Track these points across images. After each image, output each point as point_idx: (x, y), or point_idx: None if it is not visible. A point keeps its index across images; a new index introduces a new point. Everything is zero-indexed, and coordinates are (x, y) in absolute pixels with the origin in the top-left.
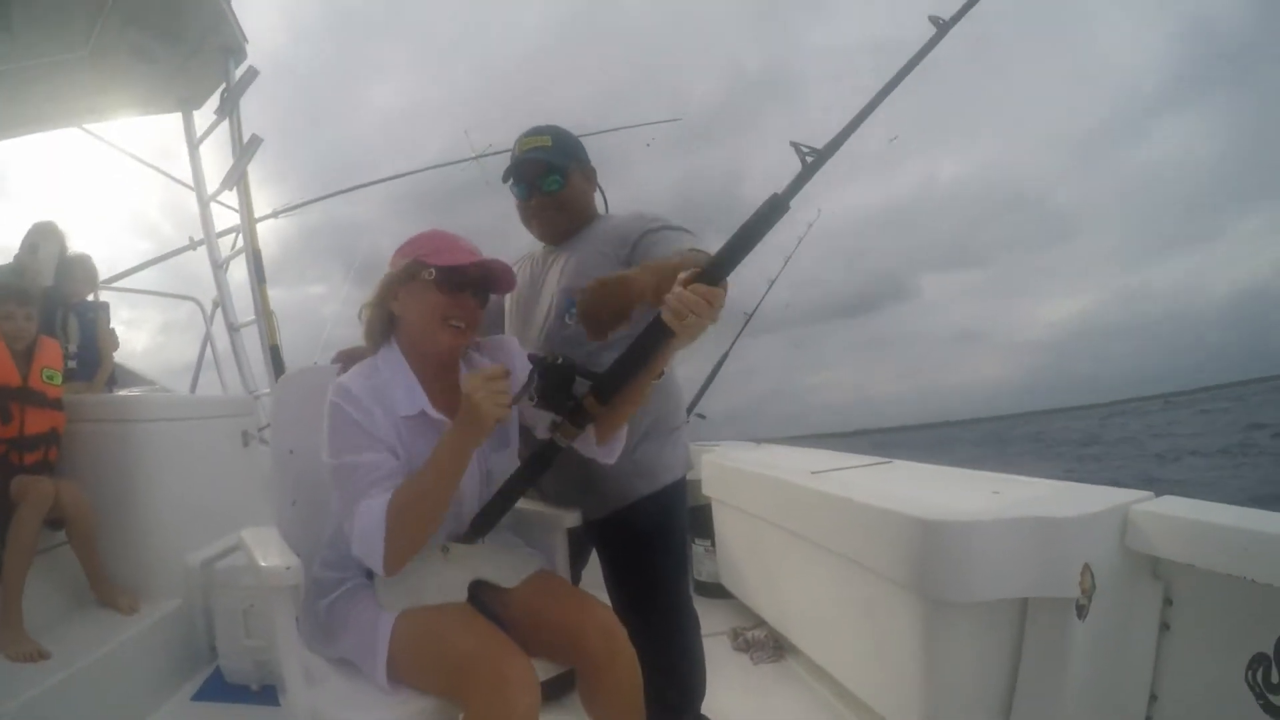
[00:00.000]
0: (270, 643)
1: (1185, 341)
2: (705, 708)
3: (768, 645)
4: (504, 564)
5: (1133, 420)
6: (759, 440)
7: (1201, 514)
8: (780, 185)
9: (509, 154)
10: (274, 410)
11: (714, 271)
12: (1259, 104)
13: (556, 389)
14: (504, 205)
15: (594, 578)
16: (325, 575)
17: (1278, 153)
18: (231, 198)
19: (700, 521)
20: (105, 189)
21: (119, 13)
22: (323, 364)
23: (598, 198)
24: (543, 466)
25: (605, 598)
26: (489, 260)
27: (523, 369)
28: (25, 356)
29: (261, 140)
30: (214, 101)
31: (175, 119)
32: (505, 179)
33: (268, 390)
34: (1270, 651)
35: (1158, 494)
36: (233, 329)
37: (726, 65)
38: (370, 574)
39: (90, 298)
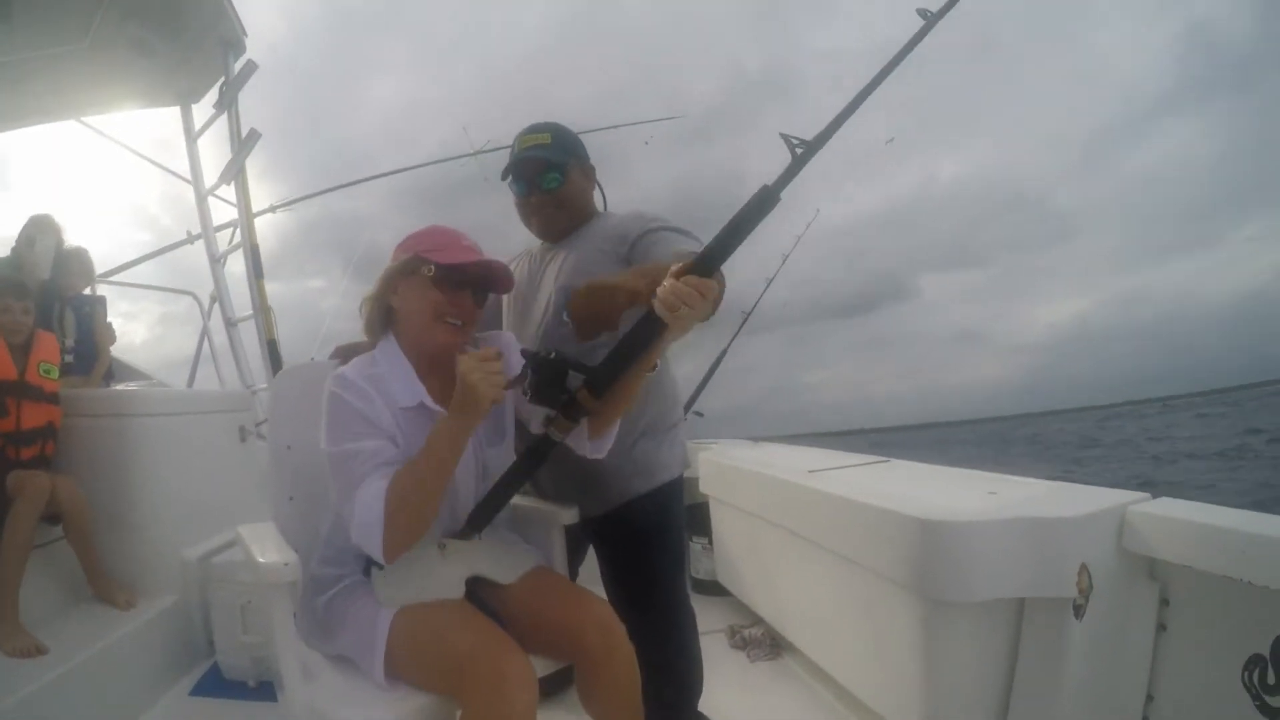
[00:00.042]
0: (268, 639)
1: (1183, 345)
2: (702, 705)
3: (765, 643)
4: (501, 560)
5: (1130, 423)
6: (757, 438)
7: (1199, 516)
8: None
9: (508, 150)
10: (271, 405)
11: (705, 263)
12: (1260, 110)
13: (550, 383)
14: (503, 201)
15: (591, 574)
16: (323, 572)
17: (1277, 159)
18: (229, 192)
19: (698, 519)
20: (104, 182)
21: (118, 6)
22: (320, 359)
23: (597, 195)
24: (537, 461)
25: (602, 594)
26: (489, 260)
27: (518, 365)
28: (22, 351)
29: (260, 135)
30: (213, 95)
31: (174, 112)
32: (504, 176)
33: (265, 385)
34: (1266, 653)
35: (1155, 495)
36: (230, 324)
37: (726, 65)
38: (368, 571)
39: (87, 291)
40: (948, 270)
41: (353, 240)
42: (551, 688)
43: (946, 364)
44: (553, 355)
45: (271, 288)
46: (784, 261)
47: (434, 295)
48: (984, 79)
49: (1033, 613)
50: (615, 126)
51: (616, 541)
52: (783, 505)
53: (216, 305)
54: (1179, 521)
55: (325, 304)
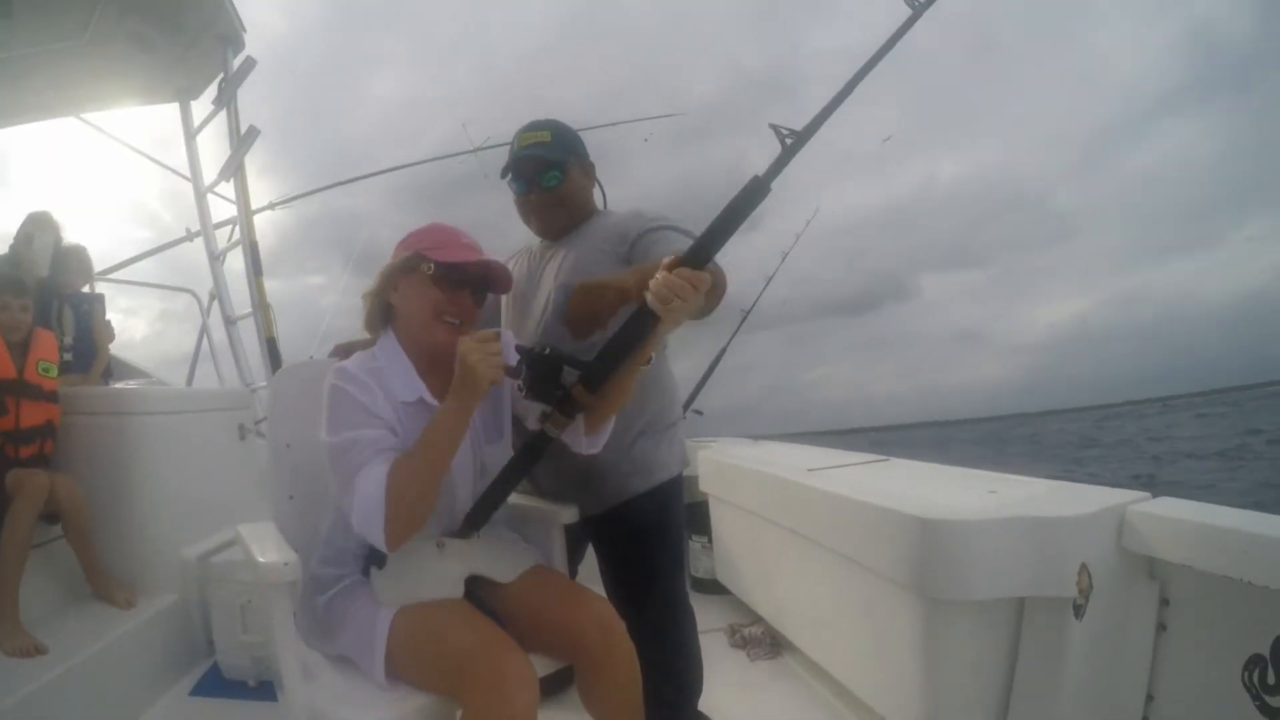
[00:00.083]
0: (268, 638)
1: (1183, 345)
2: (702, 704)
3: (764, 642)
4: (500, 559)
5: (1130, 423)
6: (756, 437)
7: (1199, 515)
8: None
9: (508, 147)
10: (271, 404)
11: (697, 255)
12: (1260, 110)
13: (545, 379)
14: (502, 199)
15: (590, 572)
16: (323, 571)
17: (1277, 159)
18: (228, 189)
19: (697, 518)
20: (103, 179)
21: (117, 1)
22: (320, 357)
23: (596, 193)
24: (534, 458)
25: (601, 593)
26: (489, 259)
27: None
28: (20, 349)
29: (259, 132)
30: (211, 92)
31: (173, 109)
32: (504, 174)
33: (264, 383)
34: (1267, 653)
35: (1155, 495)
36: (229, 322)
37: (726, 64)
38: (367, 570)
39: (86, 289)
40: (948, 270)
41: (352, 237)
42: (552, 687)
43: (946, 363)
44: (547, 351)
45: (271, 284)
46: (783, 259)
47: (433, 293)
48: (984, 79)
49: (1033, 612)
50: (615, 124)
51: (616, 540)
52: (782, 504)
53: (215, 303)
54: (1179, 521)
55: (325, 301)
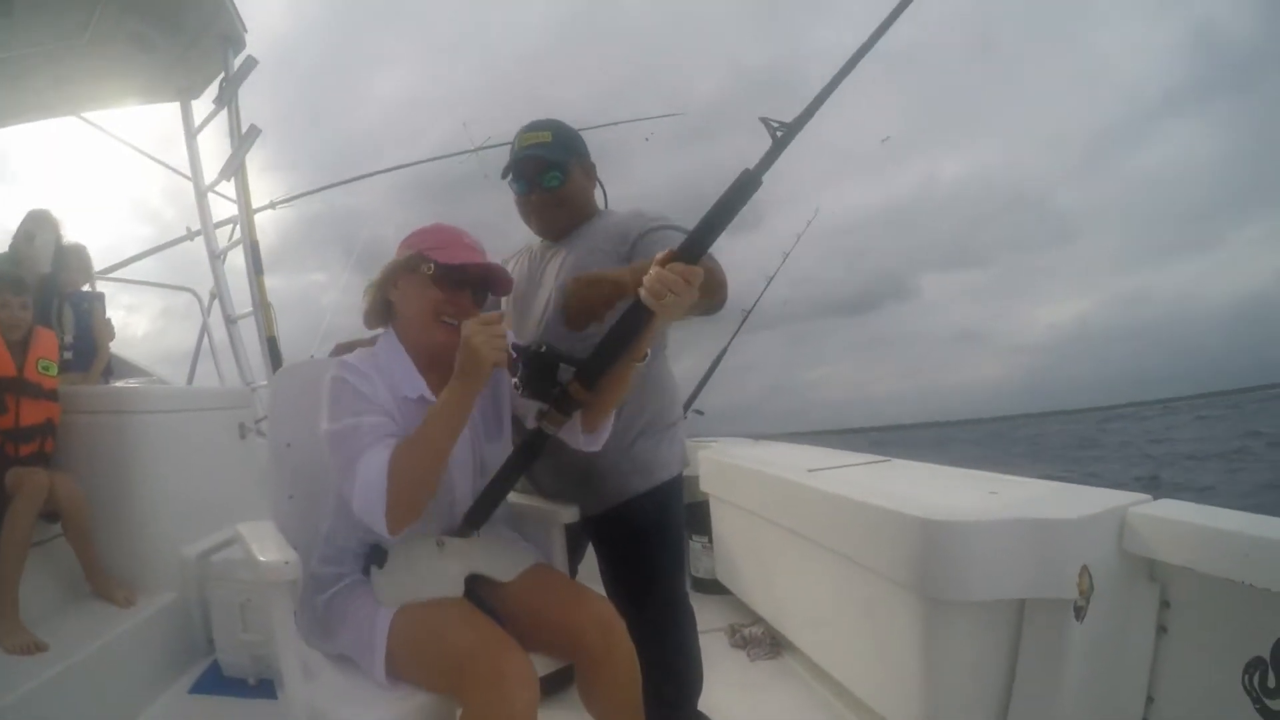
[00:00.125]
0: (267, 636)
1: (1185, 347)
2: (702, 704)
3: (765, 642)
4: (500, 558)
5: (1131, 424)
6: (757, 436)
7: (1199, 518)
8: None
9: (508, 147)
10: (271, 403)
11: (690, 249)
12: (1262, 111)
13: (541, 376)
14: (503, 198)
15: (590, 571)
16: (323, 570)
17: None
18: (229, 188)
19: (698, 518)
20: (105, 177)
21: (117, 1)
22: (320, 356)
23: (598, 193)
24: (531, 456)
25: (601, 592)
26: (489, 262)
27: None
28: (20, 347)
29: (260, 131)
30: (213, 91)
31: (175, 108)
32: (505, 175)
33: (265, 382)
34: (1267, 656)
35: (1156, 497)
36: (230, 321)
37: (727, 63)
38: (367, 569)
39: (86, 287)
40: (949, 270)
41: (354, 234)
42: (552, 686)
43: (947, 364)
44: (543, 349)
45: (272, 282)
46: (784, 260)
47: (433, 293)
48: (985, 79)
49: (1033, 614)
50: (616, 124)
51: (616, 540)
52: (783, 504)
53: (216, 302)
54: (1180, 523)
55: (326, 298)
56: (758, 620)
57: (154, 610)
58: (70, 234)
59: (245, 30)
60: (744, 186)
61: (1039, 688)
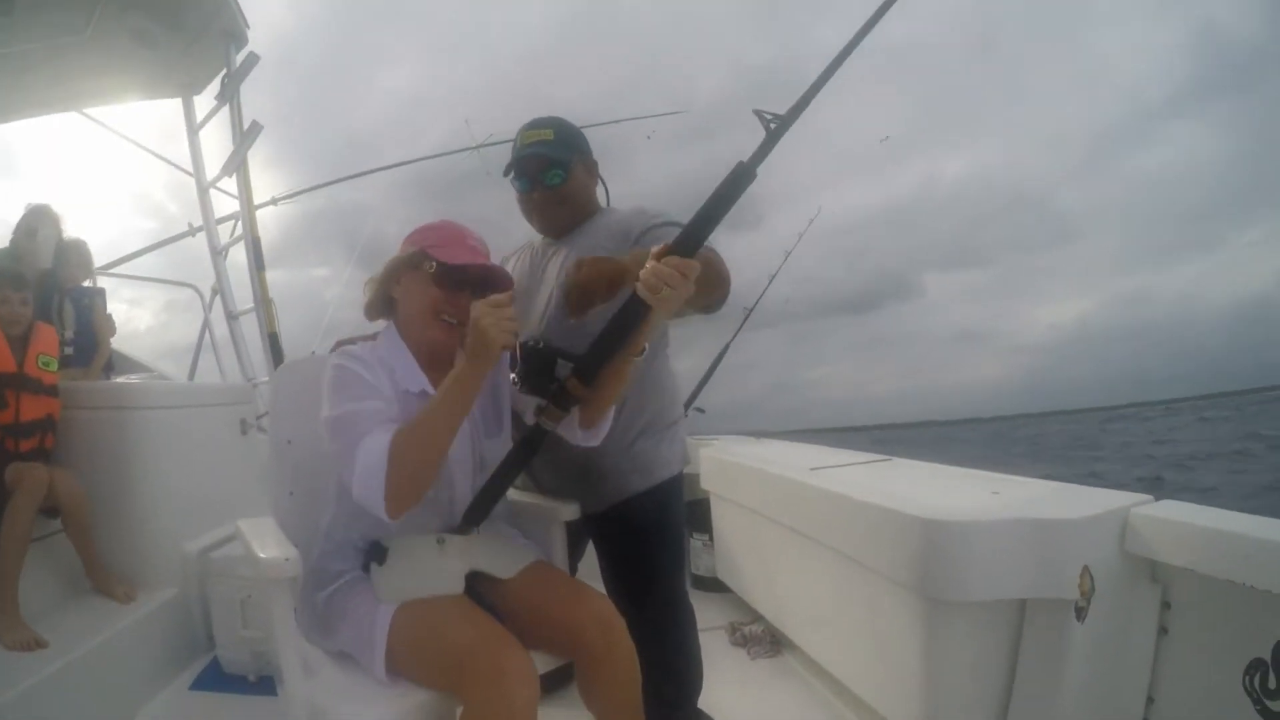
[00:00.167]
0: (268, 633)
1: (1185, 349)
2: (702, 702)
3: (765, 640)
4: (500, 555)
5: (1133, 425)
6: (758, 434)
7: (1201, 519)
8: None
9: (510, 144)
10: (272, 399)
11: (685, 243)
12: (1265, 112)
13: (539, 372)
14: (505, 195)
15: (590, 569)
16: (324, 567)
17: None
18: (231, 184)
19: (698, 516)
20: (109, 172)
21: None
22: (322, 353)
23: (599, 190)
24: (530, 452)
25: (601, 589)
26: (490, 264)
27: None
28: (20, 342)
29: (262, 127)
30: (215, 87)
31: (177, 103)
32: (507, 173)
33: (266, 378)
34: (1268, 657)
35: (1157, 498)
36: (231, 317)
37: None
38: (368, 566)
39: (87, 283)
40: (950, 270)
41: (356, 229)
42: (552, 684)
43: (948, 363)
44: (541, 344)
45: (275, 276)
46: (786, 258)
47: (432, 292)
48: (987, 79)
49: (1034, 614)
50: (618, 121)
51: (616, 538)
52: (784, 502)
53: (218, 298)
54: (1181, 524)
55: (329, 293)
56: (758, 618)
57: (154, 606)
58: (72, 229)
59: (247, 26)
60: (738, 179)
61: (1039, 688)
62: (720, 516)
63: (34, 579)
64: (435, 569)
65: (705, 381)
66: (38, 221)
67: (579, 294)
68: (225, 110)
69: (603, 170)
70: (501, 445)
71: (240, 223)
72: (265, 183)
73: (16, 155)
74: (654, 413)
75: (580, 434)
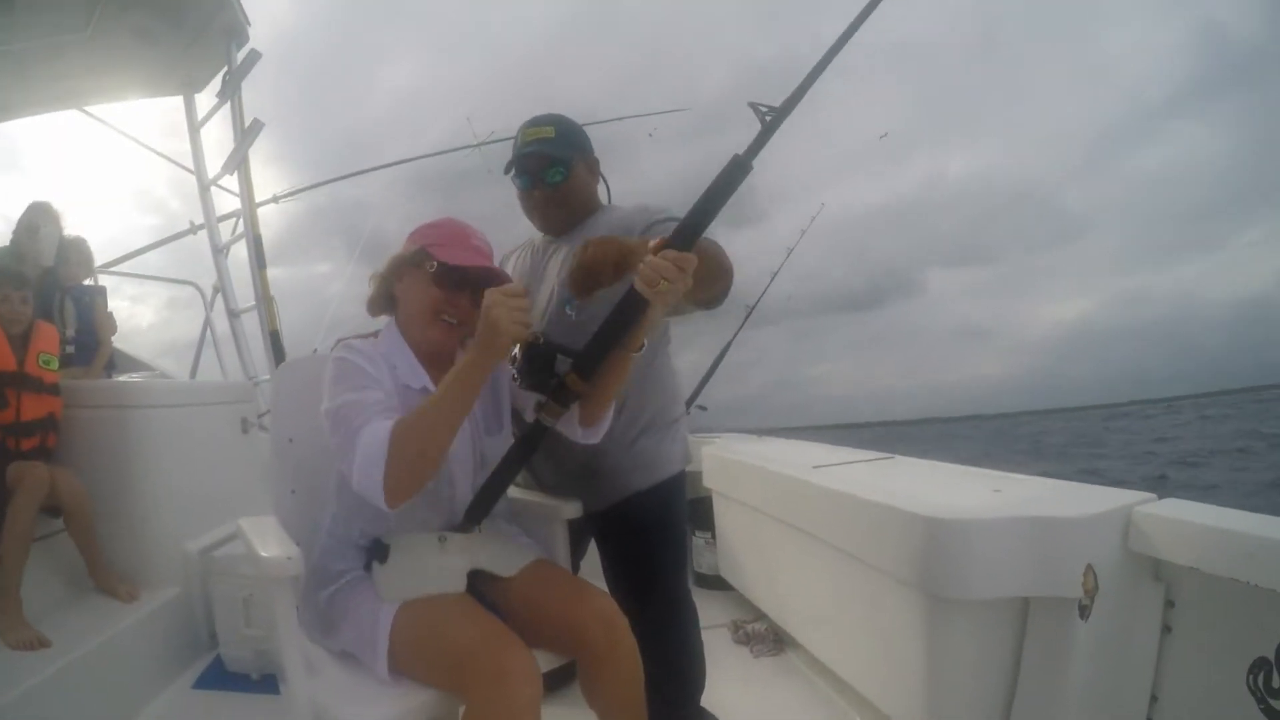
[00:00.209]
0: (270, 632)
1: (1185, 347)
2: (705, 700)
3: (768, 638)
4: (502, 553)
5: (1135, 422)
6: (760, 430)
7: (1204, 517)
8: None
9: (511, 141)
10: (274, 398)
11: (683, 237)
12: (1268, 112)
13: (539, 369)
14: (506, 192)
15: (592, 567)
16: (325, 566)
17: None
18: (232, 181)
19: (701, 514)
20: (111, 169)
21: None
22: (323, 352)
23: (601, 188)
24: (530, 449)
25: (604, 588)
26: (492, 267)
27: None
28: (21, 341)
29: (263, 125)
30: (216, 84)
31: (178, 100)
32: (507, 171)
33: (268, 376)
34: (1272, 656)
35: (1161, 496)
36: (233, 315)
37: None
38: (369, 565)
39: (88, 281)
40: (953, 267)
41: (359, 225)
42: (554, 683)
43: (951, 360)
44: (540, 341)
45: (277, 273)
46: (788, 256)
47: (432, 291)
48: (989, 78)
49: (1037, 612)
50: (619, 119)
51: (618, 536)
52: (786, 500)
53: (219, 296)
54: (1185, 523)
55: (331, 289)
56: (761, 616)
57: (157, 605)
58: (73, 227)
59: (248, 23)
60: (734, 172)
61: (1042, 686)
62: (722, 514)
63: (36, 578)
64: (437, 568)
65: (707, 379)
66: (39, 219)
67: (585, 275)
68: (226, 108)
69: (605, 167)
70: (502, 443)
71: (241, 221)
72: (267, 178)
73: (19, 153)
74: (656, 411)
75: (580, 431)
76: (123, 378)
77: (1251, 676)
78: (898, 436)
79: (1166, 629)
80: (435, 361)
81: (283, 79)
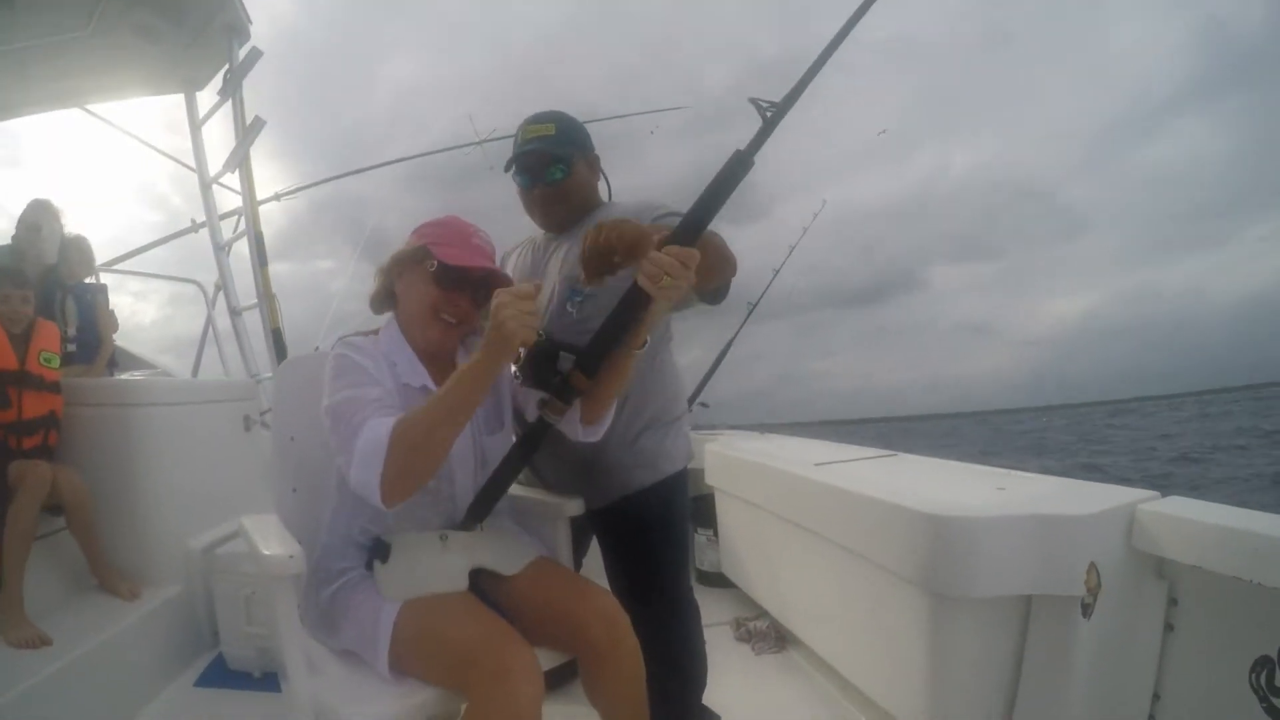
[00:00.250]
0: (272, 630)
1: (1188, 344)
2: (707, 698)
3: (770, 636)
4: (504, 551)
5: (1138, 419)
6: (763, 425)
7: (1208, 515)
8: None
9: (512, 139)
10: (275, 396)
11: (686, 232)
12: (1265, 111)
13: (541, 366)
14: (507, 189)
15: (594, 565)
16: (327, 564)
17: None
18: (234, 179)
19: (703, 511)
20: (114, 166)
21: None
22: (325, 350)
23: (601, 185)
24: (532, 447)
25: (606, 586)
26: (492, 268)
27: None
28: (22, 340)
29: (264, 123)
30: (217, 82)
31: (180, 97)
32: (508, 168)
33: (270, 374)
34: (1275, 654)
35: (1164, 494)
36: (235, 313)
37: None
38: (371, 564)
39: (90, 279)
40: (957, 263)
41: (361, 221)
42: (556, 680)
43: (954, 356)
44: (543, 337)
45: (281, 268)
46: (790, 252)
47: (432, 290)
48: (994, 74)
49: (1040, 610)
50: (620, 116)
51: (620, 534)
52: (789, 498)
53: (221, 293)
54: (1188, 521)
55: (334, 285)
56: (763, 614)
57: (158, 603)
58: (75, 224)
59: (249, 21)
60: (735, 167)
61: (1045, 684)
62: (725, 512)
63: (38, 577)
64: (439, 566)
65: (709, 377)
66: (40, 217)
67: (597, 258)
68: (228, 105)
69: (606, 164)
70: (502, 441)
71: (243, 218)
72: (268, 174)
73: (21, 151)
74: (658, 408)
75: (581, 430)
76: (124, 376)
77: (1254, 675)
78: (901, 431)
79: (1169, 627)
80: (435, 360)
81: (284, 76)
